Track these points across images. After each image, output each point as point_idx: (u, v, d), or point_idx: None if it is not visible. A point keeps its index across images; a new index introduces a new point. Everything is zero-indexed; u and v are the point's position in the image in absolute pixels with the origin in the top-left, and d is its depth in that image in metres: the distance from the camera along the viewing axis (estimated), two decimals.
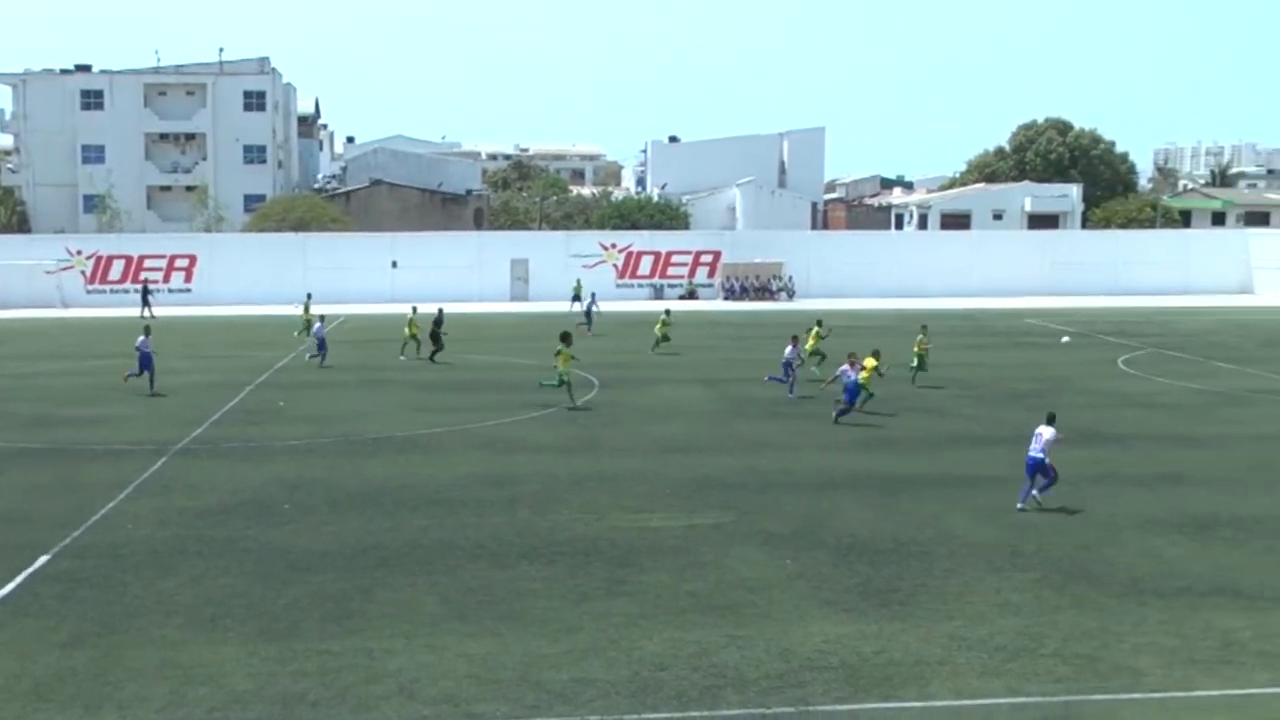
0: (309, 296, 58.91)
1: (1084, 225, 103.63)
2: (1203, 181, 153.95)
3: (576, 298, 70.66)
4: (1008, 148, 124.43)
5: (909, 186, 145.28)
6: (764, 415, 36.17)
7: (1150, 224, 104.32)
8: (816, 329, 44.13)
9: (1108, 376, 44.64)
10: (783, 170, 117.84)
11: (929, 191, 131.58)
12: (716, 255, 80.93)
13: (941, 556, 21.88)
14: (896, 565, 21.32)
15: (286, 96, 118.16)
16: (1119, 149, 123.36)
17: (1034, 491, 25.22)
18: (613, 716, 15.19)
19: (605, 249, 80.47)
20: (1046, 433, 25.04)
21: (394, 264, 78.61)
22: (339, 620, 18.50)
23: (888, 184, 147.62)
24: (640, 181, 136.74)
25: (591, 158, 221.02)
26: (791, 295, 78.56)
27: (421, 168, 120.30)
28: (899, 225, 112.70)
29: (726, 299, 78.21)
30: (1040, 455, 24.97)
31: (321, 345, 47.39)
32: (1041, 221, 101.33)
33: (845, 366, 34.79)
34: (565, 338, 37.69)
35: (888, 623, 18.44)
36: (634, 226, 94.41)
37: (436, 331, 48.63)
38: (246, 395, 40.26)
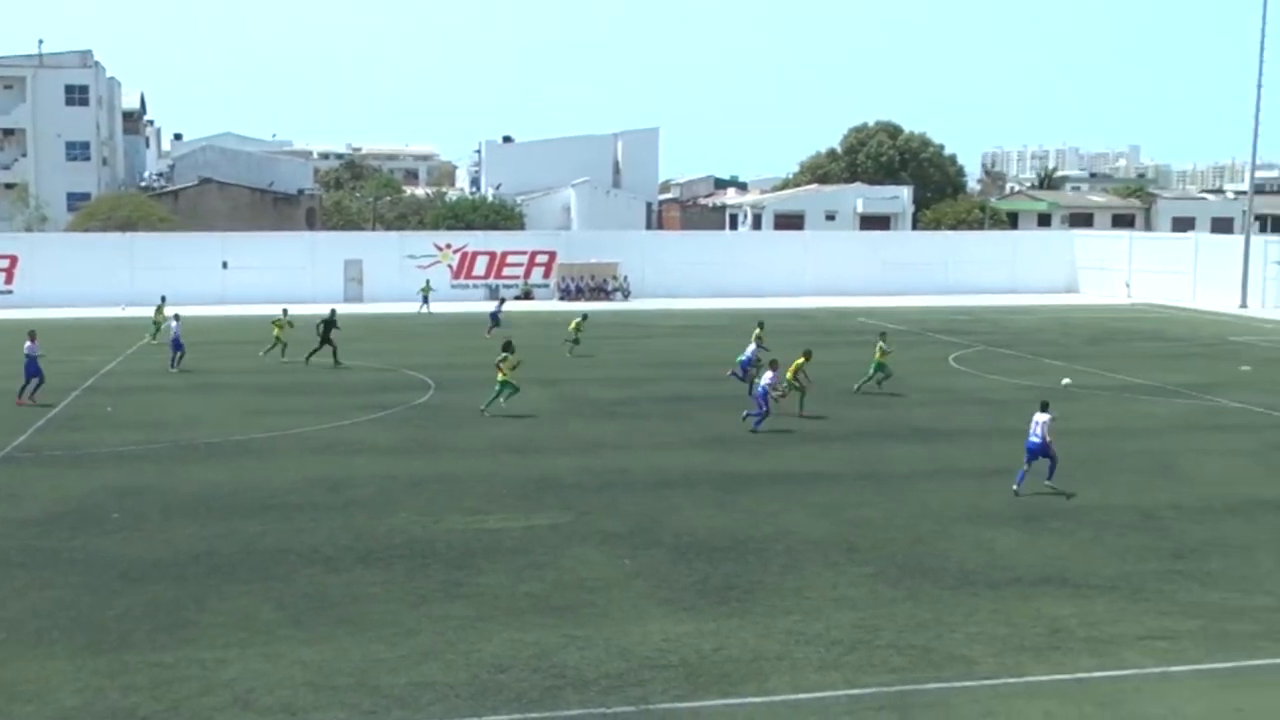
0: (163, 299, 56.88)
1: (914, 226, 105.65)
2: (1029, 184, 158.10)
3: (425, 299, 70.29)
4: (839, 150, 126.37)
5: (743, 187, 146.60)
6: (601, 415, 36.22)
7: (979, 225, 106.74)
8: (758, 330, 43.99)
9: (939, 374, 45.56)
10: (617, 170, 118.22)
11: (763, 192, 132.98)
12: (552, 256, 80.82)
13: (779, 553, 22.10)
14: (734, 562, 21.48)
15: (111, 91, 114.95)
16: (948, 152, 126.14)
17: (1046, 480, 26.63)
18: None
19: (440, 249, 79.81)
20: (1043, 418, 26.48)
21: (224, 265, 77.03)
22: (171, 630, 18.04)
23: (722, 184, 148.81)
24: (475, 182, 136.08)
25: (425, 158, 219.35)
26: (627, 295, 78.81)
27: (252, 166, 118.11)
28: (733, 225, 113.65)
29: (562, 299, 78.14)
30: (1039, 440, 26.40)
31: (177, 345, 45.91)
32: (873, 222, 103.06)
33: (768, 374, 34.33)
34: (507, 347, 37.16)
35: (726, 620, 18.56)
36: (469, 227, 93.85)
37: (327, 334, 47.35)
38: (72, 400, 39.07)
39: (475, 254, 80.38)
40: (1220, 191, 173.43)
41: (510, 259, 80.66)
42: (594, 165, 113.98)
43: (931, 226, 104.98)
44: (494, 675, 16.36)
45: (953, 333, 59.14)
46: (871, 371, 40.15)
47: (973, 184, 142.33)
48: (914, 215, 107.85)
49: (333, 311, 50.12)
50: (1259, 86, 76.41)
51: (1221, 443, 33.03)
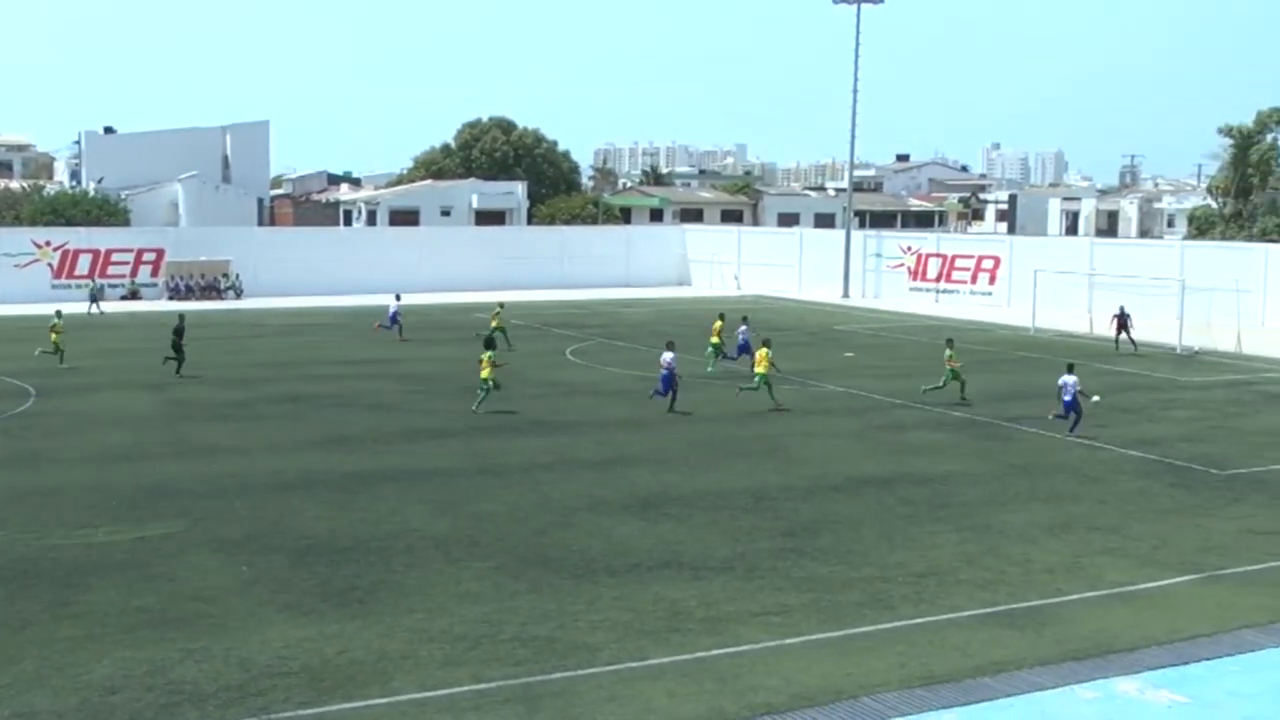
0: (59, 315, 50.66)
1: (530, 221, 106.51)
2: (640, 180, 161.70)
3: (93, 299, 66.73)
4: (454, 145, 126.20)
5: (357, 183, 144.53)
6: (214, 418, 35.01)
7: (593, 220, 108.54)
8: (719, 323, 43.75)
9: (557, 366, 46.12)
10: (227, 165, 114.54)
11: (377, 188, 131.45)
12: (160, 253, 77.58)
13: (400, 551, 21.90)
14: (356, 563, 21.15)
15: None
16: (561, 148, 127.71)
17: (1070, 433, 32.59)
18: None
19: (39, 247, 75.45)
20: (1071, 379, 32.88)
21: None
22: None
23: (335, 180, 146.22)
24: (75, 175, 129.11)
25: (20, 148, 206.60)
26: (240, 294, 76.55)
27: None
28: (348, 221, 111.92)
29: (172, 299, 75.19)
30: (1071, 398, 32.62)
31: None
32: (489, 218, 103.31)
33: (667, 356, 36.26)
34: (489, 344, 36.61)
35: (349, 622, 18.26)
36: (69, 223, 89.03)
37: (178, 341, 43.46)
38: None
39: (78, 252, 76.29)
40: (822, 189, 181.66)
41: (115, 257, 76.92)
42: (202, 159, 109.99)
43: (546, 222, 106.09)
44: (106, 697, 15.56)
45: (569, 326, 59.96)
46: (945, 382, 38.54)
47: (586, 180, 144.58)
48: (529, 211, 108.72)
49: (181, 318, 46.63)
50: (855, 91, 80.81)
51: (827, 426, 34.70)
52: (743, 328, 46.17)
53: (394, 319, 54.16)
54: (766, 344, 37.73)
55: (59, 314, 48.43)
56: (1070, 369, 34.26)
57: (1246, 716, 15.38)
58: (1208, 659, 17.31)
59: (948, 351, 38.88)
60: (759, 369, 37.09)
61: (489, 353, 36.30)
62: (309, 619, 18.41)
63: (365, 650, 17.17)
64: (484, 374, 35.58)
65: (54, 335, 45.36)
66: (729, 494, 26.29)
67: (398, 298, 55.73)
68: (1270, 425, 35.41)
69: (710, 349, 44.69)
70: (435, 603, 19.17)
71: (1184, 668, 16.96)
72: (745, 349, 43.80)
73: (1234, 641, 18.07)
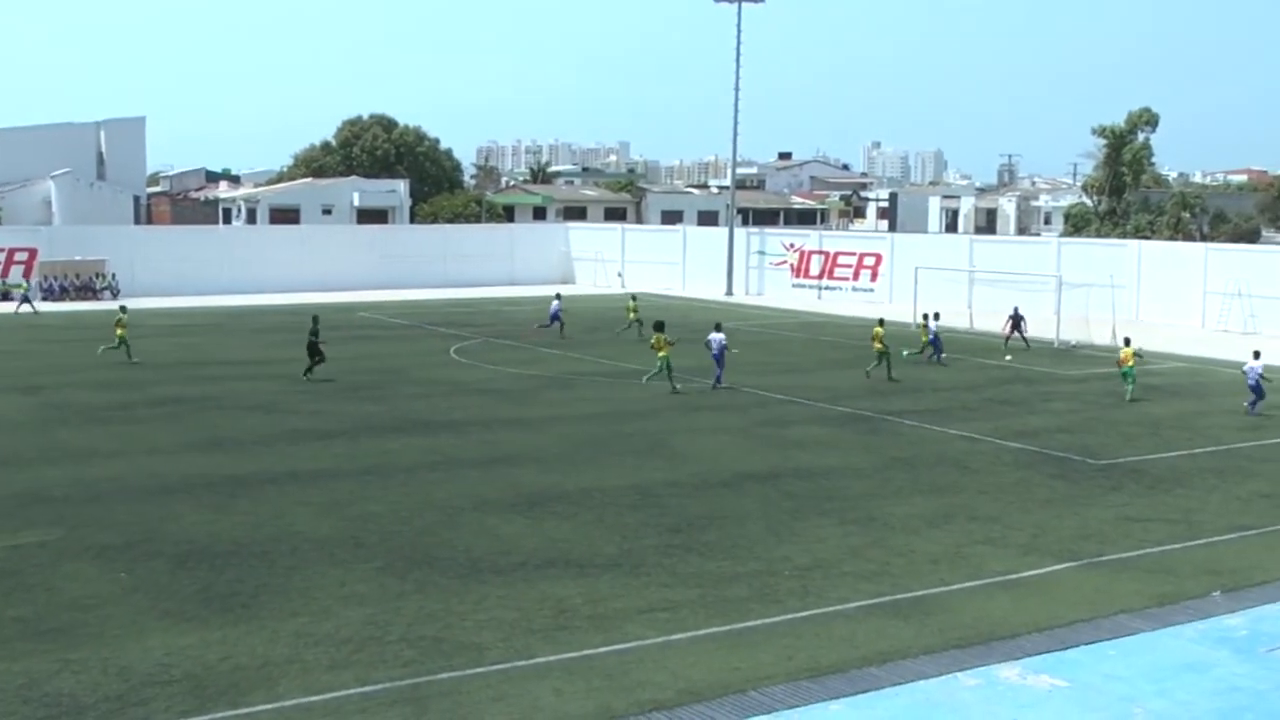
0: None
1: (412, 220, 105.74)
2: (523, 178, 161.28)
3: (6, 296, 65.19)
4: (334, 143, 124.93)
5: (236, 180, 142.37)
6: (91, 421, 34.28)
7: (476, 219, 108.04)
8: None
9: (441, 366, 45.84)
10: (101, 162, 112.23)
11: (256, 185, 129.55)
12: (32, 253, 75.77)
13: (284, 554, 21.61)
14: (238, 568, 20.83)
15: None
16: (443, 146, 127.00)
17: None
18: None
19: None
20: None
21: None
22: None
23: (214, 177, 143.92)
24: None
25: None
26: (116, 294, 75.02)
27: None
28: (227, 220, 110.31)
29: (45, 299, 73.61)
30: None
31: None
32: (370, 216, 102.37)
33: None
34: (659, 326, 39.94)
35: (232, 627, 17.97)
36: None
37: (315, 342, 42.11)
38: None
39: None
40: (705, 186, 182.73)
41: None
42: (76, 156, 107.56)
43: (429, 220, 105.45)
44: None
45: (453, 325, 59.62)
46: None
47: (468, 178, 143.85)
48: (411, 209, 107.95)
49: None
50: (736, 90, 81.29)
51: (712, 421, 34.85)
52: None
53: (555, 316, 55.44)
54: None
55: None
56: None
57: (1124, 698, 15.70)
58: (1086, 644, 17.64)
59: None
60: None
61: (659, 334, 39.46)
62: (191, 626, 18.09)
63: (249, 656, 16.91)
64: (661, 353, 38.83)
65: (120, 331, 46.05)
66: (615, 491, 26.31)
67: (558, 296, 57.38)
68: (1145, 416, 36.22)
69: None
70: (320, 606, 18.95)
71: (1063, 653, 17.28)
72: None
73: (1112, 626, 18.45)
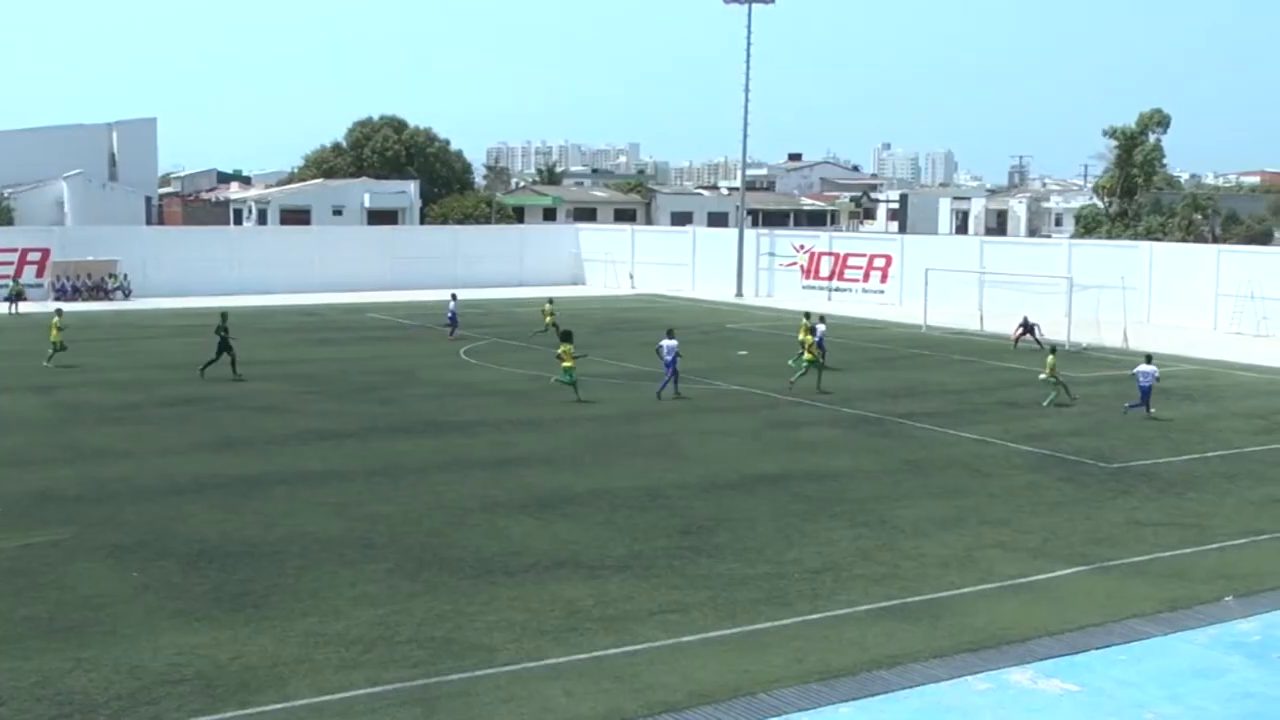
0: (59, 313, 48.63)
1: (423, 221, 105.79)
2: (533, 179, 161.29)
3: (20, 296, 65.96)
4: (345, 144, 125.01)
5: (247, 181, 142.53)
6: (103, 421, 34.37)
7: (486, 220, 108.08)
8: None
9: (451, 367, 45.87)
10: (113, 163, 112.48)
11: (268, 186, 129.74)
12: (45, 253, 76.02)
13: (294, 554, 21.64)
14: (249, 568, 20.87)
15: None
16: (454, 147, 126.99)
17: (1148, 412, 35.92)
18: None
19: None
20: (1149, 368, 35.95)
21: None
22: None
23: (225, 178, 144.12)
24: None
25: None
26: (128, 294, 75.25)
27: None
28: (238, 221, 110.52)
29: (58, 299, 73.75)
30: (1149, 384, 35.74)
31: None
32: (381, 217, 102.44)
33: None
34: (566, 336, 38.85)
35: (242, 627, 18.00)
36: None
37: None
38: None
39: None
40: (715, 188, 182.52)
41: None
42: (88, 157, 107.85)
43: (439, 221, 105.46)
44: None
45: (464, 326, 59.58)
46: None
47: (479, 179, 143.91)
48: (422, 210, 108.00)
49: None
50: (746, 91, 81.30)
51: (722, 423, 34.84)
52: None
53: (452, 318, 55.61)
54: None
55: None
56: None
57: (1135, 703, 15.67)
58: (1097, 648, 17.62)
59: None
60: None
61: (567, 345, 38.23)
62: (202, 625, 18.13)
63: (260, 656, 16.94)
64: (566, 363, 37.70)
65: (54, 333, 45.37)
66: (625, 493, 26.31)
67: (454, 297, 57.96)
68: (1156, 419, 36.12)
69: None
70: (330, 606, 18.97)
71: (1074, 657, 17.25)
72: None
73: (1123, 631, 18.42)
